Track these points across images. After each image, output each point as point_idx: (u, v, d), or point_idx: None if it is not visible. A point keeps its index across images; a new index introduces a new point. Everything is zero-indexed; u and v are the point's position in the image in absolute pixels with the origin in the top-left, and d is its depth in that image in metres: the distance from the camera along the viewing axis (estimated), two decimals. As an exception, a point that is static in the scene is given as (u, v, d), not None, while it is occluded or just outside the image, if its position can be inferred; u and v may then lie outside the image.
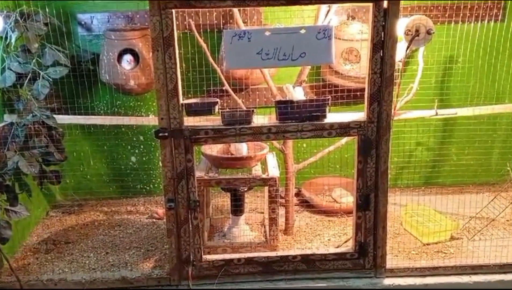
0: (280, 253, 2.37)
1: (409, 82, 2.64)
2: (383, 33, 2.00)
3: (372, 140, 2.14)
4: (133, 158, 3.92)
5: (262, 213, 3.35)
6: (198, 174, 2.63)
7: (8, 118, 2.66)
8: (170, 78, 2.02)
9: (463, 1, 2.78)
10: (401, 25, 2.36)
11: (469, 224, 2.81)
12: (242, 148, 2.72)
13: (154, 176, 3.97)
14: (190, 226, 2.21)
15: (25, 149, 2.46)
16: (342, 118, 2.18)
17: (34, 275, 2.46)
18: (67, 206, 3.61)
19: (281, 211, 3.07)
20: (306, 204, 3.44)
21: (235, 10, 2.58)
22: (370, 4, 1.97)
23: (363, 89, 2.15)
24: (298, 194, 3.85)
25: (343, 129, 2.14)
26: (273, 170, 2.70)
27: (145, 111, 3.81)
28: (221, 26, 3.08)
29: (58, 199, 3.68)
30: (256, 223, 3.19)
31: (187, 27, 2.78)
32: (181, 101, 2.08)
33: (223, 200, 3.49)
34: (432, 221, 2.75)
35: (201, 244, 2.28)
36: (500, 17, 2.92)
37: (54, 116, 2.69)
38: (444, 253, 2.56)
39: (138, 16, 3.18)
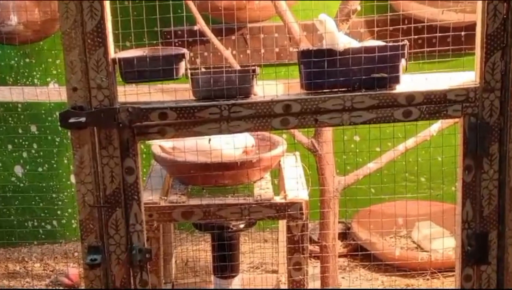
0: None
1: None
2: None
3: (492, 125, 2.13)
4: (18, 169, 3.92)
5: (276, 272, 3.35)
6: (148, 197, 2.63)
7: None
8: (90, 9, 2.01)
9: None
10: None
11: None
12: (233, 144, 2.71)
13: (59, 203, 3.97)
14: (134, 300, 2.21)
15: None
16: (430, 83, 2.17)
17: None
18: None
19: (313, 268, 3.06)
20: (362, 254, 3.43)
21: None
22: None
23: (471, 26, 2.13)
24: (345, 235, 3.84)
25: (434, 105, 2.13)
26: (296, 188, 2.70)
27: (41, 77, 3.81)
28: None
29: None
30: (264, 292, 3.18)
31: None
32: (112, 55, 2.07)
33: (198, 249, 3.49)
34: None
35: (155, 336, 2.27)
36: None
37: None
38: None
39: None
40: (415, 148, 3.08)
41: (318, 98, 2.11)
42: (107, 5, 2.03)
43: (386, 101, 2.11)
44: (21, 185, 3.89)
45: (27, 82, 3.77)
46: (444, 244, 3.24)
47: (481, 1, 2.06)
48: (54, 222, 3.97)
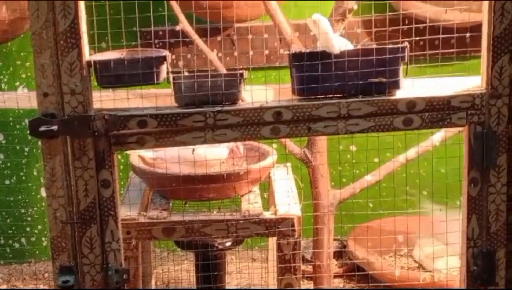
0: None
1: None
2: None
3: (500, 134, 2.14)
4: (-17, 182, 3.90)
5: (269, 288, 3.34)
6: (126, 212, 2.62)
7: None
8: (62, 8, 2.01)
9: None
10: None
11: None
12: (216, 155, 2.71)
13: (28, 219, 3.95)
14: (110, 325, 2.20)
15: None
16: (433, 88, 2.18)
17: None
18: None
19: (306, 288, 3.05)
20: (359, 275, 3.43)
21: None
22: None
23: (477, 27, 2.14)
24: (341, 254, 3.84)
25: (436, 113, 2.13)
26: (287, 203, 2.70)
27: (9, 81, 3.80)
28: None
29: None
30: (252, 316, 3.18)
31: None
32: (87, 57, 2.07)
33: (180, 269, 3.48)
34: None
35: None
36: None
37: None
38: None
39: None
40: (416, 159, 3.09)
41: (311, 105, 2.11)
42: (82, 3, 2.03)
43: (385, 108, 2.12)
44: (-13, 199, 3.88)
45: (-7, 87, 3.77)
46: (448, 263, 3.24)
47: (487, 0, 2.07)
48: (23, 240, 3.95)
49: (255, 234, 2.62)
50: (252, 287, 3.46)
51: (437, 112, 2.13)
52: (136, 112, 2.10)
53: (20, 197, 3.87)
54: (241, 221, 2.58)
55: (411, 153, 3.06)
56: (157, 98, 2.18)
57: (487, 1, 2.07)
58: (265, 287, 3.38)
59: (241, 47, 3.57)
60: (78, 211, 2.12)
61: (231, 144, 2.77)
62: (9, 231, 3.92)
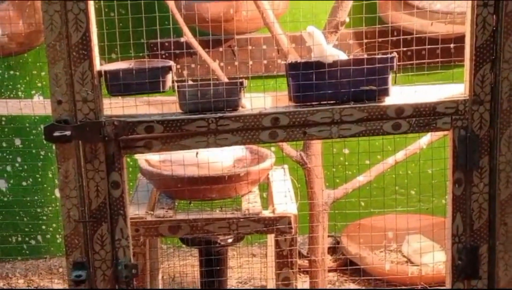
0: None
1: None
2: None
3: (482, 138, 2.14)
4: (1, 183, 3.90)
5: (264, 288, 3.34)
6: (135, 211, 2.62)
7: None
8: (75, 21, 2.01)
9: None
10: None
11: None
12: (220, 158, 2.71)
13: (44, 217, 3.95)
14: (120, 317, 2.20)
15: None
16: (420, 95, 2.18)
17: None
18: None
19: (302, 283, 3.05)
20: (351, 269, 3.43)
21: None
22: None
23: (461, 38, 2.15)
24: (335, 249, 3.84)
25: (423, 118, 2.14)
26: (284, 202, 2.70)
27: (25, 89, 3.80)
28: None
29: None
30: (252, 308, 3.18)
31: None
32: (98, 67, 2.07)
33: (185, 264, 3.48)
34: None
35: None
36: None
37: None
38: None
39: None
40: (404, 161, 3.09)
41: (306, 111, 2.12)
42: (93, 17, 2.03)
43: (375, 114, 2.12)
44: (5, 199, 3.88)
45: (11, 95, 3.77)
46: (435, 258, 3.25)
47: (470, 13, 2.07)
48: (39, 237, 3.95)
49: (254, 231, 2.62)
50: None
51: (424, 117, 2.13)
52: (144, 118, 2.10)
53: (36, 197, 3.87)
54: (241, 219, 2.58)
55: (400, 155, 3.06)
56: (163, 105, 2.18)
57: (470, 14, 2.07)
58: (264, 281, 3.39)
59: (241, 57, 3.57)
60: (90, 211, 2.12)
61: (235, 147, 2.77)
62: (26, 229, 3.92)
